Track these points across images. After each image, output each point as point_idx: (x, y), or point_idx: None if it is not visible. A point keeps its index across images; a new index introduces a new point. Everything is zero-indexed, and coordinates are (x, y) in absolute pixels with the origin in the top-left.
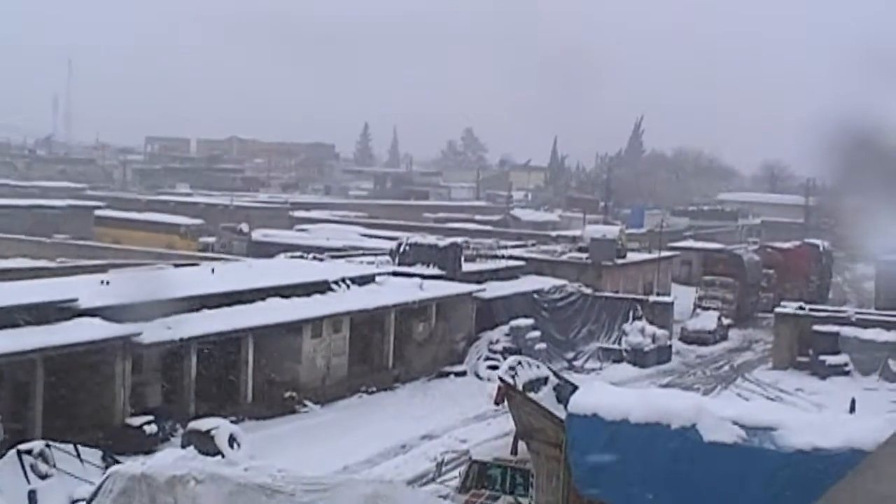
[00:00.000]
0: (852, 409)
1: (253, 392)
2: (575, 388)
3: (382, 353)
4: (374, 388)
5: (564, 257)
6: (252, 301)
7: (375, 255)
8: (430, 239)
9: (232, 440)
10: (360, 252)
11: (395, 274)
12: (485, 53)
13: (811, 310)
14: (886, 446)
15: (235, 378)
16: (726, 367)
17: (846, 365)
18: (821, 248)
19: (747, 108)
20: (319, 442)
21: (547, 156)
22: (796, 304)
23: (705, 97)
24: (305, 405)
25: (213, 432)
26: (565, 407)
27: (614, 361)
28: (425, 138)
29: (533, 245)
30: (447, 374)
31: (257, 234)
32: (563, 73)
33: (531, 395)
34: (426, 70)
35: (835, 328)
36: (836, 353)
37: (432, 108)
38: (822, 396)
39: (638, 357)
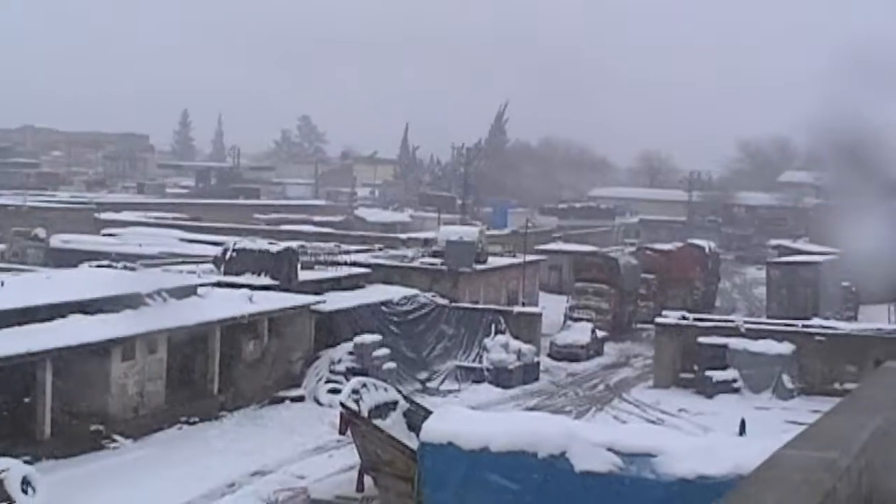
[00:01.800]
0: (742, 431)
1: (52, 426)
2: (429, 413)
3: (206, 377)
4: (197, 418)
5: (416, 263)
6: (50, 319)
7: (197, 262)
8: (261, 244)
9: (26, 484)
10: (180, 260)
11: (220, 284)
12: (324, 28)
13: (696, 319)
14: (759, 471)
15: (30, 410)
16: (601, 387)
17: (735, 381)
18: (706, 250)
19: (622, 96)
20: (131, 483)
21: (396, 147)
22: (679, 314)
23: (573, 82)
24: (115, 440)
25: (2, 475)
26: (417, 435)
27: (474, 382)
28: (255, 128)
29: (380, 249)
30: (282, 400)
31: (56, 240)
32: (416, 54)
33: (378, 422)
34: (252, 48)
35: (722, 340)
36: (724, 368)
37: (261, 93)
38: (708, 417)
39: (501, 376)
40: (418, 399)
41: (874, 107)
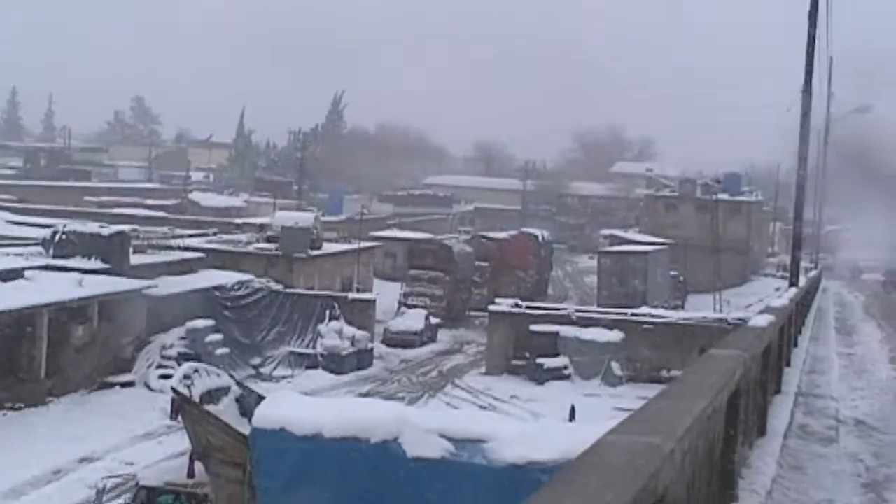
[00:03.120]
0: (572, 417)
1: None
2: (261, 398)
3: (33, 363)
4: (22, 405)
5: (251, 248)
6: None
7: (25, 245)
8: (92, 226)
9: None
10: (6, 242)
11: (48, 268)
12: (160, 10)
13: (528, 307)
14: (583, 456)
15: None
16: (434, 373)
17: (566, 368)
18: (540, 239)
19: (461, 85)
20: None
21: (232, 130)
22: (512, 302)
23: (413, 71)
24: None
25: None
26: (250, 421)
27: (308, 368)
28: (87, 108)
29: (214, 234)
30: (112, 385)
31: None
32: (250, 36)
33: (210, 408)
34: (85, 25)
35: (554, 328)
36: (556, 355)
37: (94, 73)
38: (539, 403)
39: (335, 362)
40: (251, 385)
41: None
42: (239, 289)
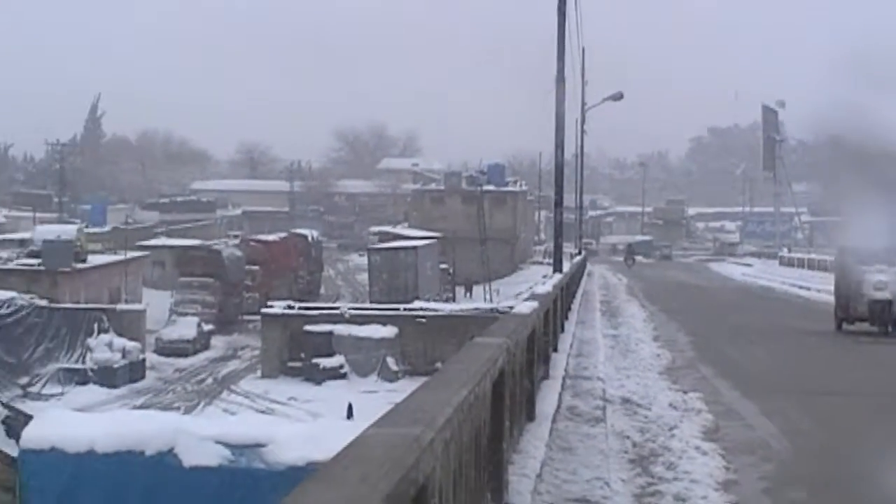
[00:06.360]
0: (350, 415)
1: None
2: (29, 418)
3: None
4: None
5: (12, 264)
6: None
7: None
8: None
9: None
10: None
11: None
12: None
13: (301, 308)
14: (342, 451)
15: None
16: (210, 380)
17: (342, 367)
18: (310, 239)
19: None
20: None
21: None
22: (285, 304)
23: (171, 79)
24: None
25: None
26: (17, 442)
27: (79, 383)
28: None
29: None
30: None
31: None
32: None
33: None
34: None
35: (328, 327)
36: (331, 354)
37: None
38: (317, 404)
39: (106, 376)
40: (19, 405)
41: None
42: (2, 307)
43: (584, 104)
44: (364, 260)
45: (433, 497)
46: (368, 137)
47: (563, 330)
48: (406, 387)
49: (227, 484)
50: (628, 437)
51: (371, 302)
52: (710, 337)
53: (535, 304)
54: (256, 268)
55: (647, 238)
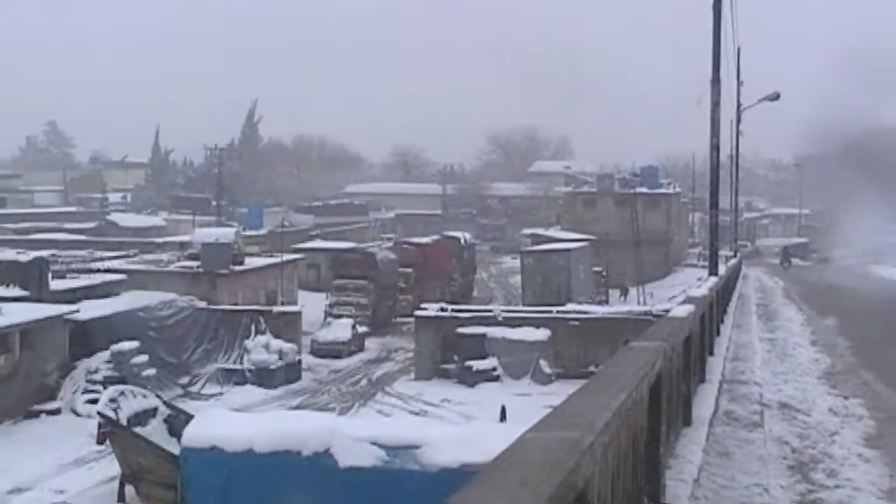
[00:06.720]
0: (503, 418)
1: None
2: (190, 417)
3: None
4: None
5: (172, 267)
6: None
7: None
8: (9, 254)
9: None
10: None
11: None
12: (58, 29)
13: (454, 311)
14: (502, 455)
15: None
16: (364, 382)
17: (494, 369)
18: (462, 242)
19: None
20: None
21: (147, 150)
22: (438, 306)
23: (325, 84)
24: None
25: None
26: (179, 441)
27: (237, 384)
28: None
29: (135, 255)
30: (38, 414)
31: None
32: (159, 53)
33: (138, 430)
34: None
35: (481, 330)
36: (484, 357)
37: (2, 98)
38: (470, 406)
39: (263, 377)
40: (180, 404)
41: None
42: (163, 309)
43: (739, 105)
44: (517, 262)
45: (592, 502)
46: (520, 140)
47: (718, 333)
48: (559, 390)
49: (382, 485)
50: (787, 443)
51: (524, 304)
52: (872, 341)
53: (691, 307)
54: (410, 270)
55: (803, 240)
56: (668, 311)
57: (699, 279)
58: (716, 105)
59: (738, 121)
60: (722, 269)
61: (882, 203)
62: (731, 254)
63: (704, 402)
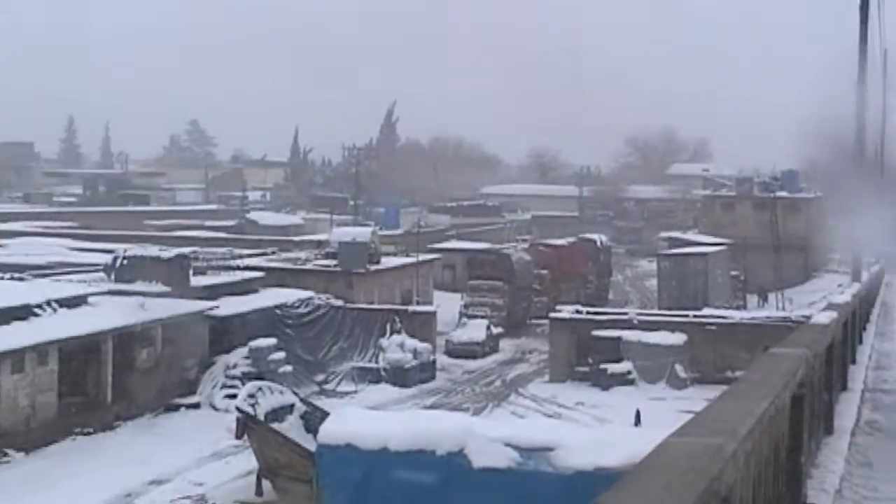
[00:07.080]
0: (637, 422)
1: None
2: (326, 414)
3: (99, 387)
4: (91, 429)
5: (310, 265)
6: None
7: (87, 271)
8: (153, 250)
9: None
10: (69, 269)
11: (111, 293)
12: (204, 31)
13: (589, 313)
14: (647, 459)
15: None
16: (498, 383)
17: (629, 373)
18: (598, 244)
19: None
20: (24, 498)
21: (287, 149)
22: (573, 308)
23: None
24: (6, 454)
25: None
26: (315, 437)
27: (371, 382)
28: (143, 133)
29: (273, 253)
30: (178, 407)
31: None
32: (300, 54)
33: (275, 425)
34: (139, 50)
35: (616, 333)
36: (619, 360)
37: (149, 98)
38: (604, 409)
39: (398, 376)
40: (315, 401)
41: None
42: (300, 306)
43: (885, 108)
44: (653, 266)
45: None
46: (658, 142)
47: (861, 341)
48: (695, 395)
49: (515, 486)
50: None
51: (660, 308)
52: None
53: (833, 314)
54: (545, 272)
55: None
56: (808, 317)
57: (840, 285)
58: (861, 107)
59: (884, 125)
60: (864, 276)
61: None
62: (874, 260)
63: (846, 412)
